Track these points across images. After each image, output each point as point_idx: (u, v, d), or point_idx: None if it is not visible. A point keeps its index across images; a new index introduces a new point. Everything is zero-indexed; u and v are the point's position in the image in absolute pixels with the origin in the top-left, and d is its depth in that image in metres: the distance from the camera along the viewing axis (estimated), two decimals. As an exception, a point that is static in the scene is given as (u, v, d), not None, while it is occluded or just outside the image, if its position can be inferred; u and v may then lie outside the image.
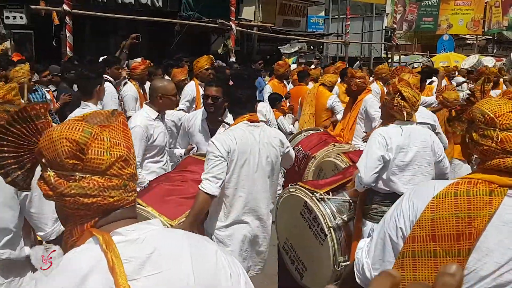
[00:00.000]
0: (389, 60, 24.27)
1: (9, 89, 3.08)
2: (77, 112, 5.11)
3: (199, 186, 3.83)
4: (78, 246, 1.51)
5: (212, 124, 5.15)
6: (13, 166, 1.60)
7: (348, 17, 22.30)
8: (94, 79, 5.21)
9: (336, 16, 26.80)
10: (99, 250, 1.46)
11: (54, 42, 11.37)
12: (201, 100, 5.66)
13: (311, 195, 4.34)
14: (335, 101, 8.33)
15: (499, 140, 1.93)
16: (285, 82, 10.73)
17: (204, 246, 1.61)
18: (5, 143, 1.58)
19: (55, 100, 7.59)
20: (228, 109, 4.46)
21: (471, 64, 18.19)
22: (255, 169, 4.08)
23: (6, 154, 1.59)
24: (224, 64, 11.63)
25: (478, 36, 33.97)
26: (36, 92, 7.07)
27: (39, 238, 3.10)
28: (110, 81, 7.37)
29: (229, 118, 4.97)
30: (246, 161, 4.02)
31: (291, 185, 4.60)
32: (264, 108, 6.62)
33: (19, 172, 1.61)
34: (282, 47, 24.22)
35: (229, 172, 3.96)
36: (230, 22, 15.08)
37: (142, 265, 1.47)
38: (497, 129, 1.94)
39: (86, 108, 5.06)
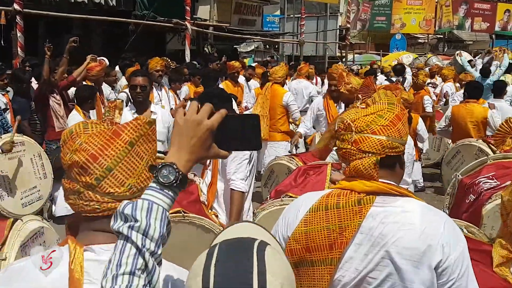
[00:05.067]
0: (344, 59, 24.63)
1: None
2: None
3: (234, 187, 4.11)
4: (60, 245, 1.54)
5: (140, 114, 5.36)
6: None
7: (303, 16, 22.49)
8: None
9: (291, 15, 26.96)
10: (67, 261, 1.47)
11: (2, 42, 11.08)
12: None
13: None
14: (290, 99, 8.24)
15: (353, 140, 2.06)
16: (242, 82, 10.77)
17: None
18: None
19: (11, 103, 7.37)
20: (229, 110, 4.47)
21: (408, 62, 19.18)
22: (255, 168, 4.45)
23: None
24: (177, 64, 11.60)
25: (429, 35, 34.70)
26: None
27: None
28: None
29: (153, 106, 5.39)
30: (255, 161, 4.39)
31: (283, 196, 4.45)
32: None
33: None
34: (238, 46, 24.22)
35: (249, 171, 4.27)
36: (186, 22, 15.02)
37: None
38: (353, 132, 2.06)
39: None
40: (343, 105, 6.80)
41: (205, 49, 18.00)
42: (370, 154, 2.04)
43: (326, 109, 7.33)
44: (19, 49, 10.39)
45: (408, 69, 13.66)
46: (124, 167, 1.50)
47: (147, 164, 1.52)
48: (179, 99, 9.08)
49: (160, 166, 1.38)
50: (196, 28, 16.21)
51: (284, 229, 2.15)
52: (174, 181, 1.37)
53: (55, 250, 1.50)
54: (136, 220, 1.31)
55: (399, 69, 13.32)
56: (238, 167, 4.16)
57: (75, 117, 6.47)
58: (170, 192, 1.37)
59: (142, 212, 1.31)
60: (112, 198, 1.50)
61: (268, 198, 4.54)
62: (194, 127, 1.41)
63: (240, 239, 1.38)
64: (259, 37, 22.69)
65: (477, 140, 6.69)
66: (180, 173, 1.38)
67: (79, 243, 1.49)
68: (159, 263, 1.34)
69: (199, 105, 1.45)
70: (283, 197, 4.50)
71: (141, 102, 5.42)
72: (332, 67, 8.96)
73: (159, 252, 1.33)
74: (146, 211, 1.32)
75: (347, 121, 2.11)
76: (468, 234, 3.13)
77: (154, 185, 1.37)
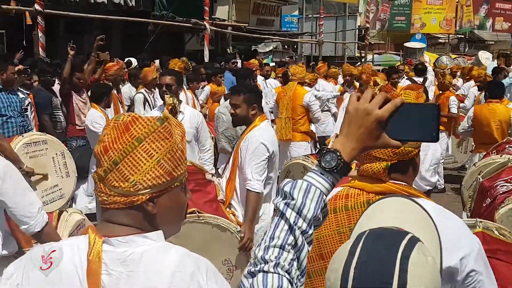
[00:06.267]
0: (363, 60, 24.51)
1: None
2: None
3: (250, 187, 4.10)
4: (82, 234, 1.55)
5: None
6: None
7: (322, 16, 22.43)
8: None
9: (310, 16, 26.91)
10: (86, 252, 1.47)
11: (24, 42, 11.20)
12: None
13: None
14: (311, 99, 7.99)
15: None
16: (260, 81, 10.75)
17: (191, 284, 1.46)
18: None
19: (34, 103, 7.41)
20: (258, 106, 4.41)
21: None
22: (278, 165, 4.50)
23: None
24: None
25: (450, 35, 34.40)
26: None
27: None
28: None
29: (181, 106, 5.31)
30: (277, 159, 4.40)
31: None
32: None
33: None
34: (256, 46, 24.24)
35: (270, 169, 4.26)
36: (204, 22, 15.05)
37: (119, 281, 1.45)
38: None
39: None
40: None
41: (228, 50, 18.07)
42: (381, 160, 1.98)
43: None
44: (40, 49, 10.47)
45: (429, 68, 13.47)
46: (129, 163, 1.46)
47: (159, 163, 1.47)
48: (197, 99, 9.09)
49: (324, 152, 1.44)
50: (214, 28, 16.23)
51: None
52: (335, 167, 1.42)
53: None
54: (292, 198, 1.39)
55: (420, 69, 13.16)
56: (256, 167, 4.11)
57: (93, 113, 6.45)
58: (330, 177, 1.42)
59: (300, 192, 1.39)
60: (116, 192, 1.47)
61: None
62: (363, 116, 1.42)
63: (387, 234, 1.33)
64: (277, 37, 22.68)
65: (500, 156, 6.05)
66: (342, 160, 1.42)
67: (99, 234, 1.49)
68: (310, 243, 1.41)
69: (374, 94, 1.45)
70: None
71: None
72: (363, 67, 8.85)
73: (310, 232, 1.40)
74: (304, 192, 1.39)
75: None
76: (499, 236, 3.06)
77: (316, 168, 1.44)
